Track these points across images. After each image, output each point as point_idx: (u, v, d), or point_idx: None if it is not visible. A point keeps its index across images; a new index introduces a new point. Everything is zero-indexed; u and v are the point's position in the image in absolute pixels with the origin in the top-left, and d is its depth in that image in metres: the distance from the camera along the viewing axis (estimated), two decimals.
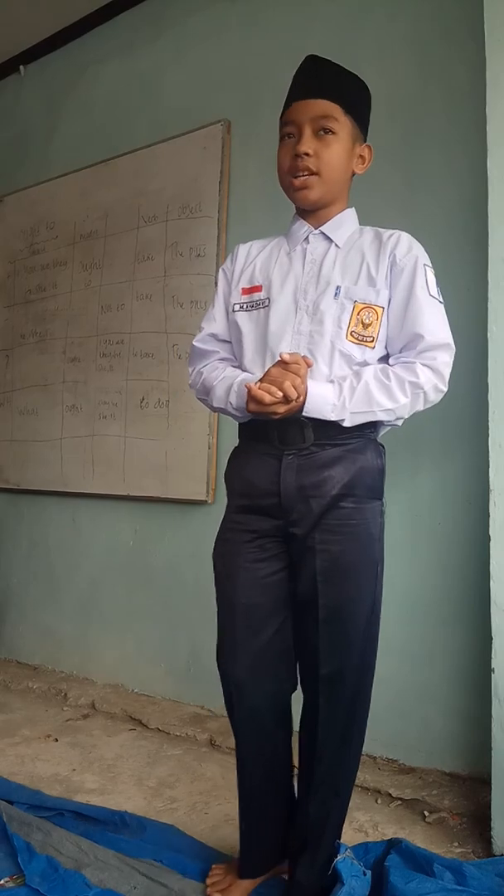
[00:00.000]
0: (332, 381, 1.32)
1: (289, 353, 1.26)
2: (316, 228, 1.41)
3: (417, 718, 2.00)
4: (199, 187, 2.55)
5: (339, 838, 1.44)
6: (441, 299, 1.37)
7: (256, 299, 1.42)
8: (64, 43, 3.07)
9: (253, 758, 1.44)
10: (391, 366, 1.35)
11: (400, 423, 1.40)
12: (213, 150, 2.52)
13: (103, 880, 1.48)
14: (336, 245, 1.40)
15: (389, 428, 1.43)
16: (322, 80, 1.37)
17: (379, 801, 1.87)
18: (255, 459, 1.38)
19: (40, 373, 3.06)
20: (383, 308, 1.34)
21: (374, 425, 1.37)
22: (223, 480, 1.50)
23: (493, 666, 1.62)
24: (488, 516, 1.65)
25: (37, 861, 1.52)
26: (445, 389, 1.35)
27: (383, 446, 1.41)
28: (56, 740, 2.29)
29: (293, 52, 2.29)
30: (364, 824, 1.75)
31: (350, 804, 1.82)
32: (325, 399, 1.29)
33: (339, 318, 1.33)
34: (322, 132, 1.34)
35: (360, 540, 1.35)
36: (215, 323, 1.49)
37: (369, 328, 1.34)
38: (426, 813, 1.78)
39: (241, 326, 1.43)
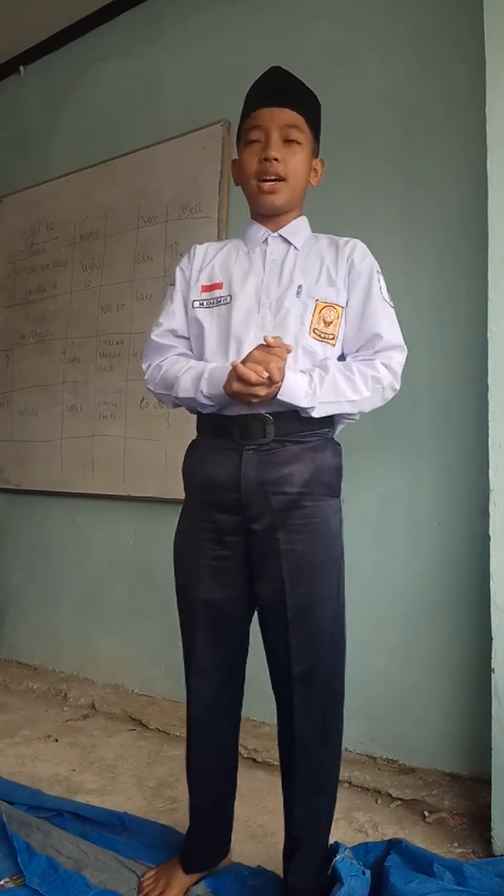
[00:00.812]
0: (303, 372, 1.34)
1: (272, 337, 1.28)
2: (274, 232, 1.45)
3: (417, 718, 2.00)
4: (199, 188, 2.55)
5: (329, 837, 1.43)
6: (392, 304, 1.42)
7: (217, 296, 1.44)
8: (64, 43, 3.07)
9: (212, 753, 1.48)
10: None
11: (357, 418, 1.43)
12: (213, 151, 2.52)
13: (103, 881, 1.48)
14: (295, 248, 1.44)
15: (345, 425, 1.45)
16: (287, 90, 1.42)
17: (379, 801, 1.87)
18: (215, 454, 1.39)
19: (40, 373, 3.05)
20: (343, 307, 1.39)
21: (331, 424, 1.41)
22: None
23: (493, 666, 1.62)
24: (488, 516, 1.65)
25: (37, 862, 1.52)
26: (398, 388, 1.41)
27: (339, 445, 1.43)
28: (56, 740, 2.29)
29: (293, 52, 2.31)
30: (364, 825, 1.75)
31: (349, 804, 1.83)
32: (299, 386, 1.31)
33: (301, 315, 1.37)
34: (289, 141, 1.38)
35: (323, 538, 1.36)
36: (175, 318, 1.49)
37: (331, 326, 1.38)
38: (426, 813, 1.78)
39: (202, 322, 1.44)
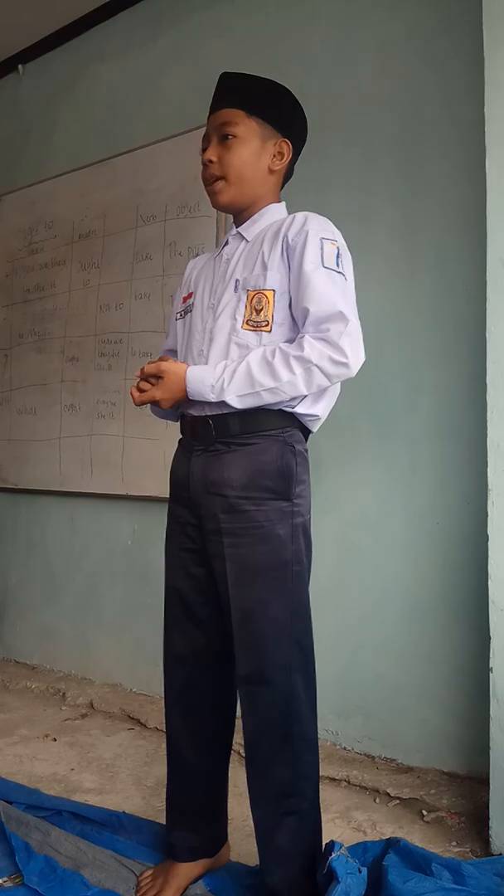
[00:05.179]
0: (216, 366, 1.35)
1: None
2: (236, 230, 1.47)
3: (416, 718, 2.00)
4: (198, 187, 2.51)
5: (309, 840, 1.38)
6: (341, 270, 1.32)
7: (188, 305, 1.50)
8: (63, 42, 3.06)
9: (185, 743, 1.48)
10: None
11: (318, 413, 1.38)
12: None
13: (101, 880, 1.48)
14: (246, 241, 1.44)
15: (321, 423, 1.42)
16: (224, 91, 1.46)
17: (377, 800, 1.87)
18: (179, 452, 1.48)
19: (39, 372, 3.05)
20: (273, 291, 1.35)
21: (287, 425, 1.35)
22: None
23: (491, 665, 1.62)
24: (486, 516, 1.65)
25: (35, 861, 1.52)
26: (348, 360, 1.26)
27: (297, 446, 1.37)
28: (54, 740, 2.29)
29: (293, 51, 2.31)
30: (362, 823, 1.75)
31: (348, 803, 1.83)
32: (203, 381, 1.32)
33: (234, 310, 1.38)
34: (225, 138, 1.41)
35: (266, 542, 1.33)
36: (170, 337, 1.60)
37: (261, 313, 1.36)
38: (424, 812, 1.78)
39: (178, 334, 1.53)
